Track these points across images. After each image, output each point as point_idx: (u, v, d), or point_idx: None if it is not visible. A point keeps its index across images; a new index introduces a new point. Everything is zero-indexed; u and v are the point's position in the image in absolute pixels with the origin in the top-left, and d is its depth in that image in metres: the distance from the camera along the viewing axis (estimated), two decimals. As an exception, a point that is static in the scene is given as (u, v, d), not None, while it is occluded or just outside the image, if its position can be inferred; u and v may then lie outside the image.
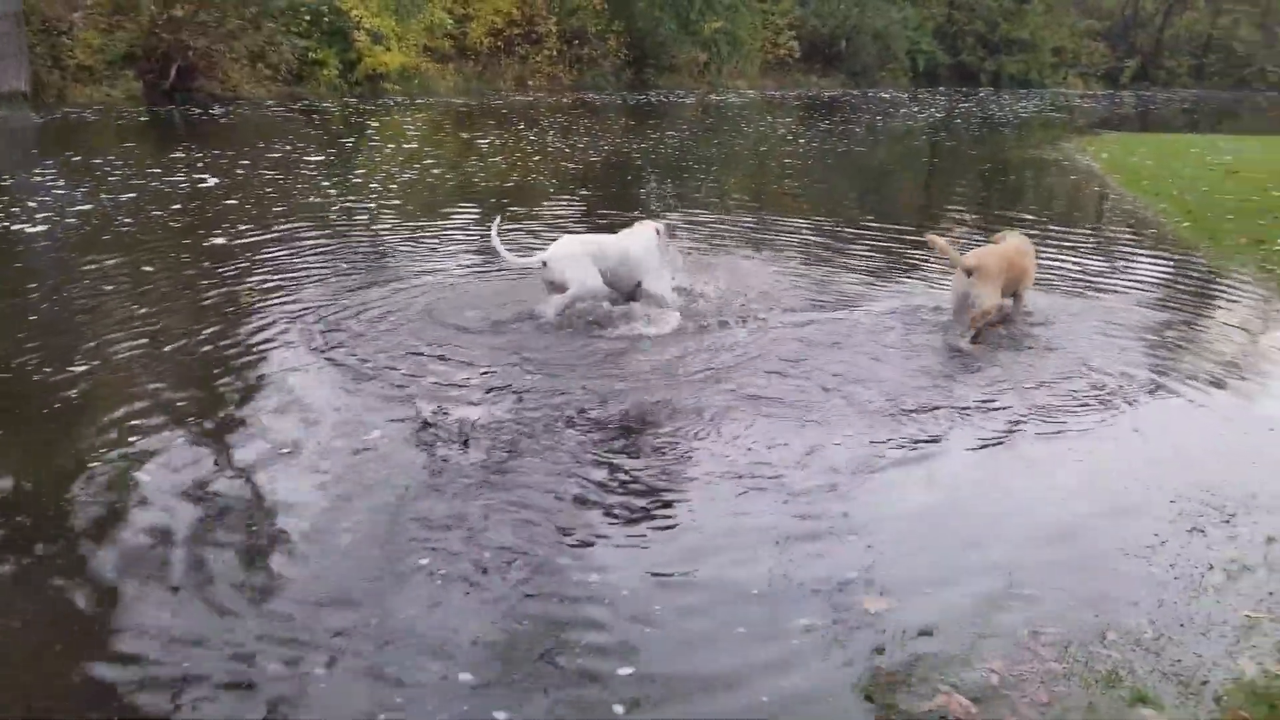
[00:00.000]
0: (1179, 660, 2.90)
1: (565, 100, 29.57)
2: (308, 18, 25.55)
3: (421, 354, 5.49)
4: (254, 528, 3.56)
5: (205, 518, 3.59)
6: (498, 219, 6.47)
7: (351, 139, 18.66)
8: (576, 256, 6.09)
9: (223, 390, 4.95)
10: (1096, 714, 2.67)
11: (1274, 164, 15.37)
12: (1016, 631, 3.04)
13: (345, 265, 7.70)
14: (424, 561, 3.34)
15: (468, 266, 7.78)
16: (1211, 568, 3.42)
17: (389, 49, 26.93)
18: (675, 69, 36.91)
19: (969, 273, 5.94)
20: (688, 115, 27.07)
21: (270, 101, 24.03)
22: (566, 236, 6.34)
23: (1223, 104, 43.55)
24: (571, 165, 15.10)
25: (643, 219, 6.78)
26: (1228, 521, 3.76)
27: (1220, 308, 7.03)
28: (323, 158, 14.99)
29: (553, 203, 11.31)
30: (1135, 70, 53.71)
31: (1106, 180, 14.58)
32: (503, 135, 19.27)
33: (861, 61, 43.87)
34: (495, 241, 6.11)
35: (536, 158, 16.05)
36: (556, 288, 6.09)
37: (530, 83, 32.35)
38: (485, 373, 5.22)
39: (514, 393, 4.93)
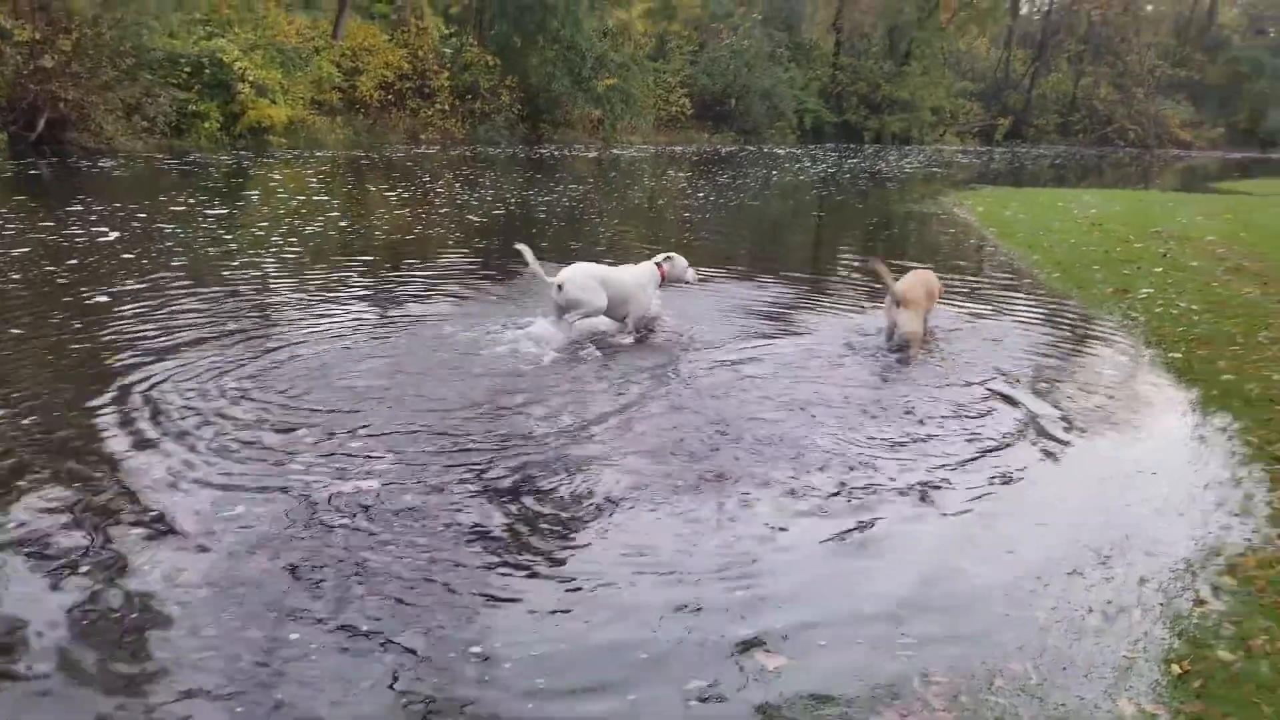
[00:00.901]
0: (1062, 704, 2.95)
1: (463, 154, 29.53)
2: (187, 69, 24.93)
3: (302, 414, 5.30)
4: (121, 614, 3.34)
5: (71, 605, 3.36)
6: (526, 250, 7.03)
7: (255, 191, 18.21)
8: (587, 282, 6.92)
9: (72, 462, 4.68)
10: (985, 763, 2.69)
11: (1134, 218, 16.31)
12: (909, 681, 3.06)
13: (232, 323, 7.42)
14: (295, 636, 3.19)
15: (359, 322, 7.59)
16: (1090, 610, 3.51)
17: (274, 102, 26.45)
18: (570, 124, 37.34)
19: (899, 302, 6.77)
20: (585, 169, 27.33)
21: (148, 155, 23.27)
22: (580, 264, 7.11)
23: (1087, 159, 46.18)
24: (475, 218, 15.08)
25: (651, 257, 7.64)
26: (1104, 564, 3.87)
27: (1091, 355, 7.34)
28: (224, 210, 14.62)
29: (454, 254, 11.24)
30: (1008, 128, 56.64)
31: (983, 233, 15.22)
32: (406, 188, 19.12)
33: (751, 119, 45.17)
34: (527, 254, 6.95)
35: (444, 209, 16.05)
36: (569, 307, 6.92)
37: (422, 136, 32.26)
38: (372, 434, 5.07)
39: (401, 458, 4.80)
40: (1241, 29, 70.28)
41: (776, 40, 46.92)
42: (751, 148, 41.97)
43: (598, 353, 6.75)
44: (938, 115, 54.02)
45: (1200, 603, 3.54)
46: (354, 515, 4.07)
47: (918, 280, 7.11)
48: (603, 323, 7.24)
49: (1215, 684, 3.02)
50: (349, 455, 4.72)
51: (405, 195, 18.20)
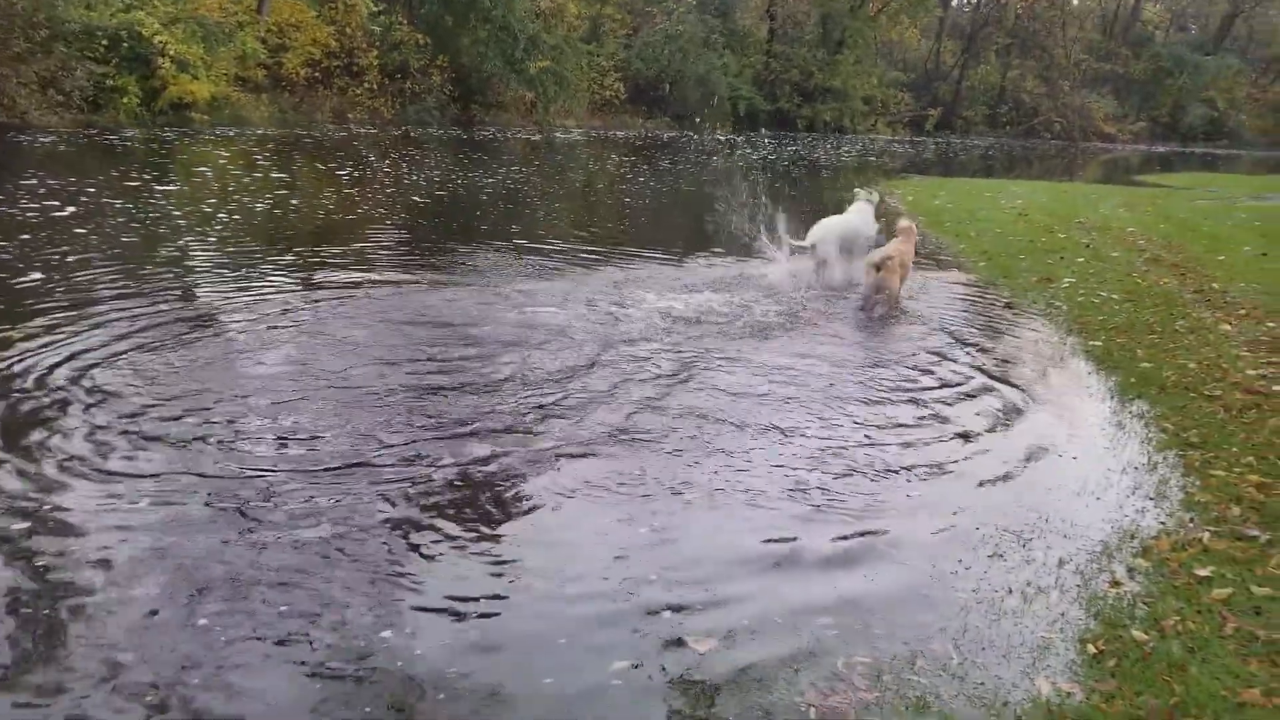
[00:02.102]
0: (981, 683, 3.00)
1: (395, 134, 29.00)
2: (105, 43, 24.00)
3: (220, 402, 5.17)
4: (19, 607, 3.22)
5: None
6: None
7: (206, 168, 17.66)
8: (828, 238, 9.16)
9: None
10: (906, 743, 2.73)
11: (1058, 208, 16.68)
12: (834, 662, 3.09)
13: (160, 304, 7.21)
14: (202, 622, 3.11)
15: (288, 303, 7.42)
16: (1010, 591, 3.58)
17: (197, 78, 25.64)
18: (503, 106, 36.90)
19: (877, 268, 7.83)
20: (522, 151, 27.05)
21: (65, 130, 22.39)
22: (824, 220, 9.41)
23: (1014, 151, 47.15)
24: (419, 199, 14.91)
25: (858, 194, 10.04)
26: (1024, 546, 3.95)
27: (1015, 341, 7.48)
28: (169, 188, 14.29)
29: (400, 232, 11.07)
30: (938, 119, 57.46)
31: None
32: (346, 168, 18.81)
33: (686, 105, 45.14)
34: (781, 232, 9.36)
35: (391, 189, 15.80)
36: (818, 258, 9.11)
37: (350, 116, 31.56)
38: (286, 418, 4.96)
39: (318, 444, 4.70)
40: (1164, 25, 72.33)
41: (711, 26, 46.89)
42: (690, 133, 41.99)
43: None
44: (869, 105, 54.58)
45: (1116, 584, 3.63)
46: (268, 499, 3.98)
47: (896, 249, 8.10)
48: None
49: (1129, 663, 3.09)
50: (262, 439, 4.62)
51: (347, 175, 17.85)
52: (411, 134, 29.46)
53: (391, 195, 15.11)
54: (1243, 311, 8.26)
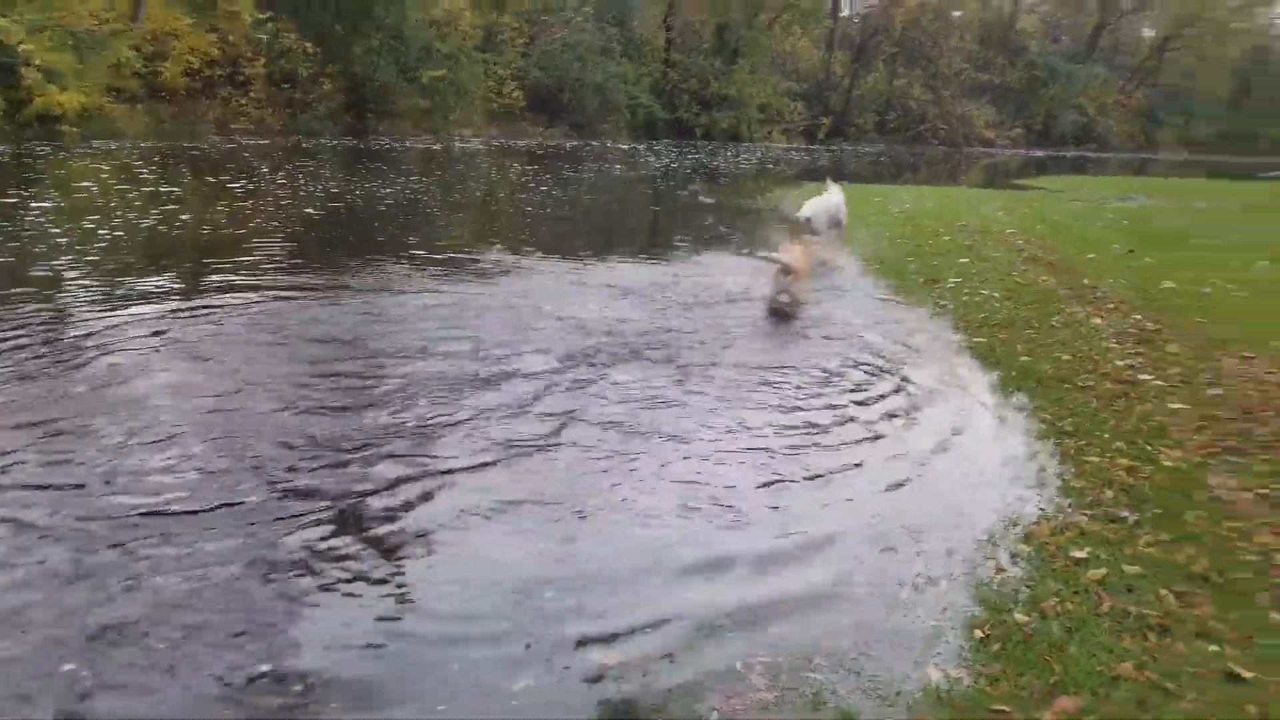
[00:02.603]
0: (875, 675, 3.10)
1: (284, 145, 28.22)
2: (-38, 52, 22.74)
3: (88, 435, 4.98)
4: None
5: None
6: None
7: (89, 183, 16.87)
8: (819, 214, 11.37)
9: None
10: (804, 737, 2.80)
11: (943, 211, 17.27)
12: (734, 664, 3.14)
13: (26, 327, 6.87)
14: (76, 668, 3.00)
15: (171, 328, 7.17)
16: (902, 584, 3.70)
17: (66, 88, 24.46)
18: (398, 115, 36.30)
19: (786, 272, 8.15)
20: (418, 162, 26.66)
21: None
22: (815, 198, 11.65)
23: (902, 157, 48.58)
24: (313, 211, 14.58)
25: (829, 182, 12.38)
26: (915, 539, 4.09)
27: (905, 341, 7.71)
28: (50, 204, 13.61)
29: (293, 246, 10.75)
30: (830, 127, 58.78)
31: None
32: (236, 181, 18.21)
33: (585, 113, 45.18)
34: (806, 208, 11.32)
35: (285, 201, 15.39)
36: (811, 229, 10.93)
37: (235, 126, 30.55)
38: (178, 438, 4.81)
39: (191, 478, 4.57)
40: (1039, 35, 75.53)
41: (609, 35, 47.04)
42: (590, 142, 42.04)
43: None
44: (765, 113, 55.51)
45: (1000, 570, 3.79)
46: (153, 527, 3.84)
47: (804, 255, 8.58)
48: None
49: (1012, 645, 3.23)
50: (134, 474, 4.47)
51: (239, 188, 17.28)
52: (303, 144, 28.73)
53: (285, 208, 14.71)
54: (1111, 306, 8.70)
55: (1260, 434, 5.23)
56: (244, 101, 31.39)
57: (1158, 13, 73.32)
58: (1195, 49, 71.95)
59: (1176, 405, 5.79)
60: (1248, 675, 3.01)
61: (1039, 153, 58.95)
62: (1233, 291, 9.44)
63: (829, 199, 11.86)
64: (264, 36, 31.93)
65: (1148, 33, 77.55)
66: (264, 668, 3.01)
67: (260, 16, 31.85)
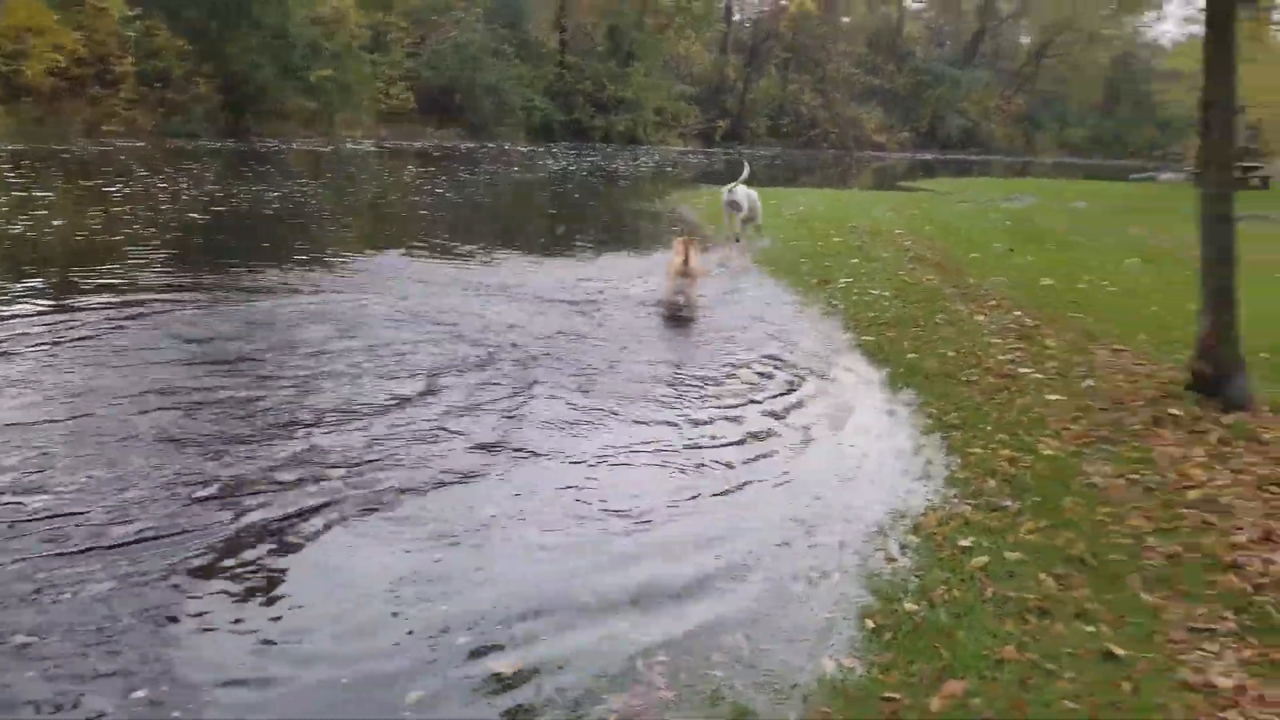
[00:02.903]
0: (771, 669, 3.14)
1: (160, 148, 27.11)
2: None
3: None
4: None
5: None
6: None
7: None
8: (746, 193, 12.99)
9: None
10: (703, 734, 2.82)
11: (834, 213, 17.68)
12: (633, 665, 3.15)
13: None
14: None
15: (36, 341, 6.81)
16: (796, 578, 3.77)
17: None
18: (282, 116, 35.30)
19: (683, 274, 8.43)
20: (307, 164, 25.98)
21: None
22: (740, 184, 12.96)
23: (796, 161, 49.54)
24: (196, 215, 14.11)
25: (740, 182, 13.15)
26: (809, 534, 4.17)
27: (799, 341, 7.86)
28: None
29: (171, 253, 10.31)
30: (725, 130, 59.60)
31: (705, 230, 15.92)
32: (122, 184, 17.47)
33: (479, 115, 44.77)
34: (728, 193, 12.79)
35: (166, 205, 14.88)
36: (737, 208, 12.85)
37: (105, 128, 29.15)
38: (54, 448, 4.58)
39: (50, 512, 4.36)
40: (923, 41, 78.02)
41: (501, 36, 46.70)
42: (486, 144, 41.67)
43: None
44: (661, 116, 55.95)
45: (890, 561, 3.89)
46: (13, 551, 3.65)
47: (699, 255, 8.92)
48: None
49: (902, 634, 3.32)
50: (8, 477, 4.24)
51: (116, 191, 16.57)
52: (184, 147, 27.69)
53: (165, 213, 14.17)
54: (993, 303, 9.04)
55: (1130, 423, 5.50)
56: (114, 102, 30.00)
57: (1034, 21, 76.51)
58: (1069, 56, 75.36)
59: (1054, 397, 6.04)
60: (1121, 653, 3.15)
61: (926, 156, 60.88)
62: (1106, 288, 9.91)
63: (746, 187, 13.24)
64: (133, 34, 30.56)
65: (1025, 40, 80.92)
66: (141, 694, 2.89)
67: (129, 13, 30.47)
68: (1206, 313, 5.71)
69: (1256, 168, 31.38)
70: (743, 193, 13.02)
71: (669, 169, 35.34)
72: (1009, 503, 4.41)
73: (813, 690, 3.02)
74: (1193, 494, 4.47)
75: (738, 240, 12.91)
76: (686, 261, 8.41)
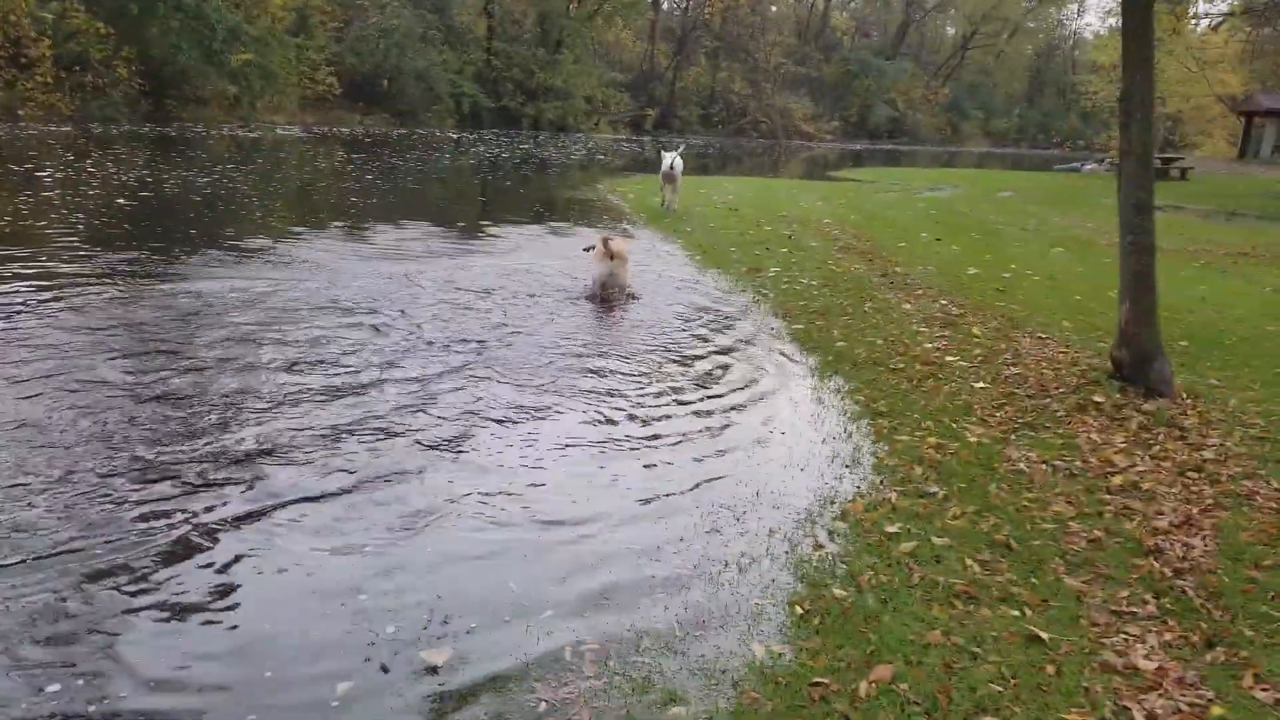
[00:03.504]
0: (703, 655, 3.12)
1: (75, 131, 26.16)
2: None
3: None
4: None
5: None
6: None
7: None
8: (677, 163, 14.98)
9: None
10: (632, 721, 2.78)
11: (764, 202, 17.80)
12: (562, 653, 3.10)
13: None
14: None
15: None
16: (727, 564, 3.75)
17: None
18: (202, 101, 34.31)
19: (611, 256, 8.45)
20: (231, 150, 25.27)
21: None
22: (672, 152, 15.26)
23: (727, 149, 49.79)
24: (124, 201, 13.63)
25: (672, 147, 15.86)
26: (739, 520, 4.16)
27: (729, 329, 7.87)
28: None
29: (88, 241, 9.89)
30: (655, 118, 59.65)
31: (634, 218, 15.90)
32: (50, 170, 16.76)
33: (407, 100, 44.08)
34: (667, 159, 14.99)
35: (92, 190, 14.45)
36: (671, 178, 15.12)
37: (21, 112, 28.13)
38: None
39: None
40: (850, 32, 79.02)
41: (428, 22, 46.00)
42: (416, 130, 41.03)
43: None
44: (591, 104, 55.77)
45: (819, 547, 3.89)
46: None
47: (624, 243, 8.90)
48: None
49: (830, 619, 3.32)
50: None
51: (30, 177, 15.89)
52: (106, 131, 26.71)
53: (82, 199, 13.63)
54: (920, 291, 9.16)
55: (1054, 410, 5.60)
56: (30, 86, 28.89)
57: (958, 12, 78.03)
58: (993, 46, 77.06)
59: (979, 384, 6.13)
60: (1045, 637, 3.19)
61: (855, 145, 61.68)
62: (1030, 276, 10.12)
63: (677, 158, 15.32)
64: (49, 15, 29.44)
65: (951, 30, 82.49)
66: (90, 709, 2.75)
67: (45, -6, 29.34)
68: (1126, 300, 5.84)
69: (1177, 158, 32.46)
70: (678, 162, 15.13)
71: (601, 156, 35.21)
72: (935, 489, 4.46)
73: (743, 676, 3.00)
74: (1115, 480, 4.56)
75: (668, 208, 14.84)
76: (608, 248, 8.45)
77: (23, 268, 8.45)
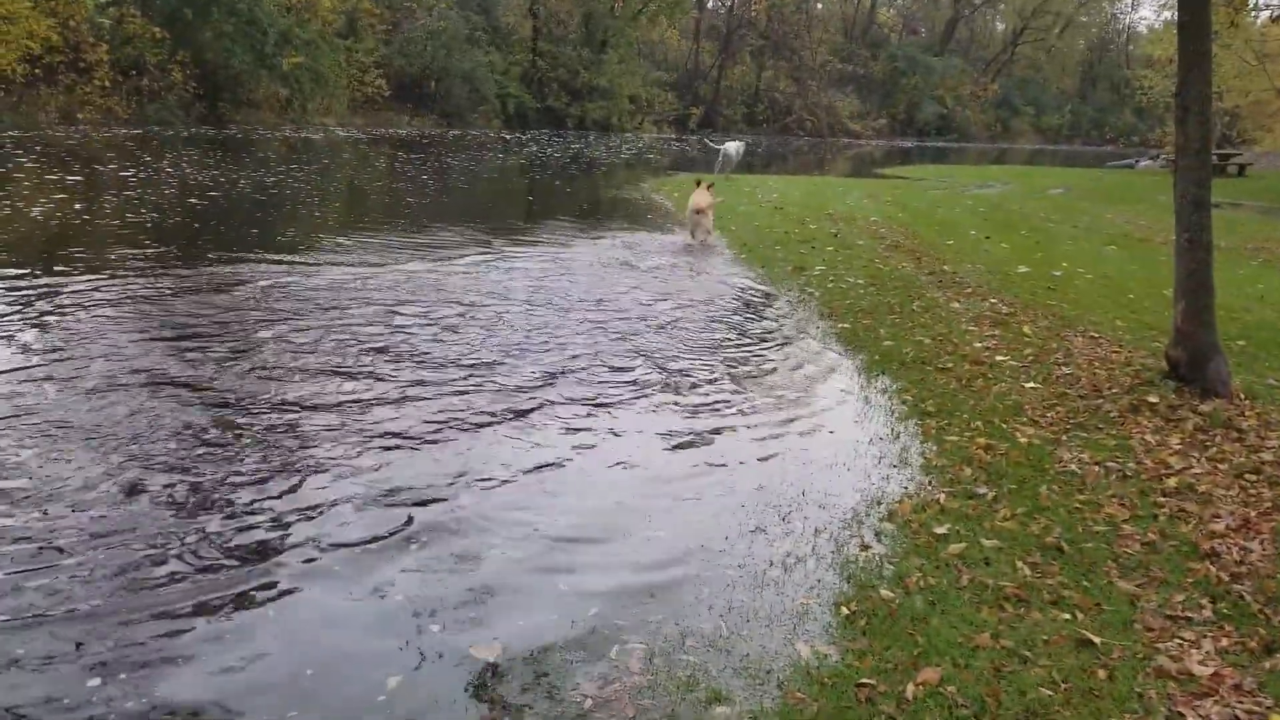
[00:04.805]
0: (747, 655, 3.11)
1: (132, 135, 26.69)
2: None
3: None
4: None
5: None
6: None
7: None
8: (730, 147, 22.46)
9: None
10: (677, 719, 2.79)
11: (810, 201, 17.66)
12: (608, 650, 3.11)
13: None
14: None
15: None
16: (772, 564, 3.74)
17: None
18: (255, 104, 34.83)
19: (699, 211, 11.81)
20: (289, 152, 25.66)
21: None
22: (729, 142, 23.26)
23: (772, 147, 49.51)
24: (196, 201, 13.94)
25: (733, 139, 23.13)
26: (784, 520, 4.14)
27: (775, 327, 7.84)
28: None
29: (161, 243, 10.12)
30: (700, 117, 59.49)
31: (680, 217, 15.87)
32: (132, 170, 17.25)
33: (453, 102, 44.41)
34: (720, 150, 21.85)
35: (171, 190, 14.80)
36: (727, 157, 22.16)
37: (80, 116, 28.72)
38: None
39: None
40: (898, 29, 78.22)
41: (474, 23, 46.31)
42: (469, 131, 41.37)
43: None
44: (635, 103, 55.79)
45: (865, 547, 3.86)
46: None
47: (706, 196, 12.03)
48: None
49: (877, 620, 3.30)
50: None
51: (131, 178, 16.33)
52: (166, 134, 27.24)
53: (169, 198, 13.93)
54: (969, 290, 9.05)
55: (1107, 410, 5.51)
56: (88, 90, 29.53)
57: (1008, 7, 76.90)
58: (1044, 41, 75.82)
59: (1030, 384, 6.04)
60: (1097, 641, 3.14)
61: (902, 143, 61.01)
62: (1082, 274, 9.94)
63: (737, 143, 22.19)
64: (107, 21, 30.10)
65: (1000, 26, 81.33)
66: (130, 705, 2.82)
67: (102, 1, 29.99)
68: (1181, 298, 5.72)
69: (1235, 154, 31.72)
70: (734, 147, 21.57)
71: (651, 155, 35.24)
72: (985, 490, 4.40)
73: (788, 676, 2.99)
74: (1170, 481, 4.48)
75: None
76: (703, 203, 11.81)
77: (138, 258, 8.67)
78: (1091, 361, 6.53)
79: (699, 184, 12.59)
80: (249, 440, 4.69)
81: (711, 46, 63.70)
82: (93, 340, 6.26)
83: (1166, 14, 43.79)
